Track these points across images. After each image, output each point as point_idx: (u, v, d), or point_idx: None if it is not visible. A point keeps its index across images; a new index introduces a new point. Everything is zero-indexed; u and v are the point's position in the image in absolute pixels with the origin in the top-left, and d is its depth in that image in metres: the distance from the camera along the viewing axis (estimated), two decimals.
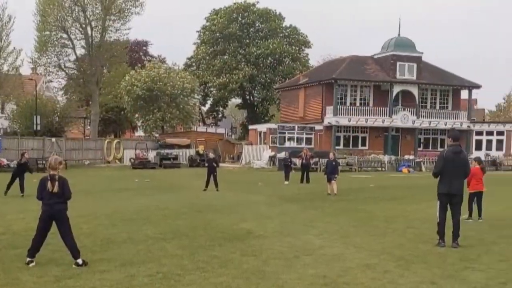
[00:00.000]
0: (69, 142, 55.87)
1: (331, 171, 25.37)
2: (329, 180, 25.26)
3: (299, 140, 57.48)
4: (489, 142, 61.33)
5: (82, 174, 42.03)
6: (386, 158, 53.17)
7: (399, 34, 61.31)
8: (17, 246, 11.92)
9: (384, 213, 18.24)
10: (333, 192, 24.69)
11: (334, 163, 26.04)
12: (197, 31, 79.97)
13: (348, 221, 16.15)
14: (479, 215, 16.62)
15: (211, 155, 30.35)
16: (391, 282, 9.06)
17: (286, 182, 32.62)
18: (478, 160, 17.48)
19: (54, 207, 10.34)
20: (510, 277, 9.41)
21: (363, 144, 59.18)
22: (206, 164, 29.88)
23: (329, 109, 57.55)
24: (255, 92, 79.91)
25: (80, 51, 64.05)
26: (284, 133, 57.50)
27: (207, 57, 76.38)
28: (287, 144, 56.19)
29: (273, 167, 49.87)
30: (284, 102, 67.50)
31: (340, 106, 57.40)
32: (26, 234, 13.22)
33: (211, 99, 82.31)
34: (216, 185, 26.70)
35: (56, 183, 10.28)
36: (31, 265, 10.15)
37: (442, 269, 10.00)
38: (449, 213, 12.48)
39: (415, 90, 59.32)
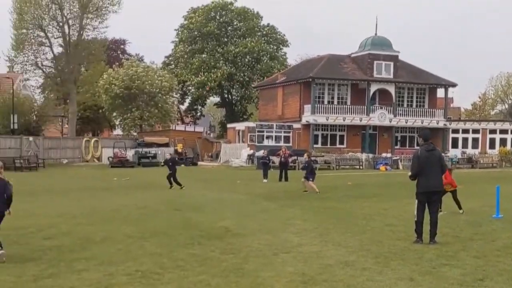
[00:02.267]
0: (47, 141, 55.48)
1: (309, 172, 25.38)
2: (307, 179, 25.27)
3: (277, 138, 57.54)
4: (465, 140, 61.85)
5: (60, 173, 41.78)
6: (363, 156, 53.36)
7: (376, 33, 61.59)
8: None
9: (362, 210, 18.34)
10: (314, 190, 24.56)
11: (306, 164, 26.23)
12: (175, 30, 79.69)
13: (326, 219, 16.21)
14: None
15: (168, 155, 30.78)
16: (370, 279, 9.13)
17: (265, 180, 32.64)
18: None
19: None
20: (487, 274, 9.51)
21: (341, 142, 59.37)
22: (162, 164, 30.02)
23: (307, 108, 57.65)
24: (234, 90, 79.85)
25: (58, 50, 63.82)
26: (263, 131, 57.54)
27: (185, 56, 76.08)
28: (265, 142, 56.21)
29: (252, 166, 49.82)
30: (262, 101, 67.54)
31: (318, 105, 57.51)
32: (5, 234, 13.12)
33: (190, 97, 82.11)
34: (177, 183, 26.98)
35: None
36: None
37: (420, 266, 10.09)
38: (426, 211, 12.56)
39: (392, 89, 59.65)
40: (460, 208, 17.55)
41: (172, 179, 27.11)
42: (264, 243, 12.27)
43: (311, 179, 25.15)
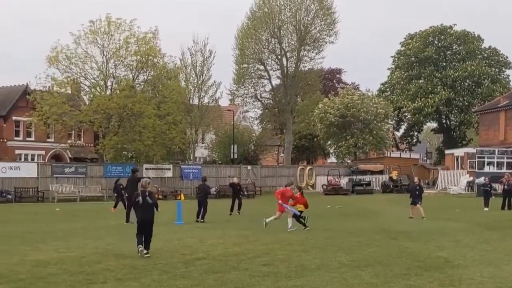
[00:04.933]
0: (264, 169, 57.56)
1: (416, 195, 26.06)
2: (414, 204, 25.96)
3: (499, 164, 54.57)
4: None
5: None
6: None
7: None
8: (217, 270, 12.32)
9: None
10: (421, 215, 25.16)
11: (418, 187, 26.82)
12: (392, 56, 79.34)
13: None
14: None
15: (235, 179, 31.43)
16: None
17: (486, 209, 31.07)
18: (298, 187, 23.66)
19: (144, 215, 14.12)
20: None
21: None
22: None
23: None
24: (452, 115, 77.45)
25: (275, 82, 66.13)
26: (483, 157, 54.91)
27: (402, 82, 75.37)
28: (486, 169, 53.64)
29: (471, 193, 47.83)
30: (483, 126, 64.63)
31: None
32: (226, 259, 13.68)
33: (405, 124, 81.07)
34: (239, 207, 28.95)
35: (147, 198, 14.01)
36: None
37: None
38: None
39: None
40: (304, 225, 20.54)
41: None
42: (486, 276, 11.58)
43: (419, 203, 25.88)
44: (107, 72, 49.78)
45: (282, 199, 20.95)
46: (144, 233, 14.11)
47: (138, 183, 24.85)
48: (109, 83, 50.60)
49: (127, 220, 23.76)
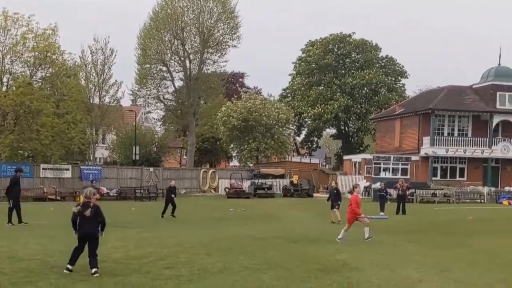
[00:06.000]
0: (166, 172, 57.14)
1: (334, 199, 26.96)
2: (332, 208, 26.65)
3: (394, 170, 56.59)
4: None
5: (178, 203, 42.68)
6: (485, 189, 51.42)
7: (499, 64, 59.60)
8: (117, 274, 12.16)
9: (485, 246, 17.57)
10: (337, 220, 25.65)
11: (335, 191, 27.73)
12: (293, 63, 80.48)
13: (447, 255, 15.65)
14: None
15: (173, 183, 31.53)
16: None
17: (381, 213, 32.04)
18: None
19: (88, 229, 12.24)
20: None
21: (461, 175, 57.53)
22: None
23: (426, 140, 56.44)
24: (350, 122, 79.41)
25: (178, 83, 65.89)
26: (380, 163, 56.78)
27: (302, 88, 76.60)
28: (382, 174, 55.48)
29: (368, 198, 49.12)
30: (379, 133, 66.72)
31: (437, 137, 56.17)
32: (127, 262, 13.53)
33: (306, 129, 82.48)
34: (172, 211, 28.75)
35: (90, 209, 12.21)
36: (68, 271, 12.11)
37: None
38: None
39: None
40: None
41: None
42: (382, 278, 11.98)
43: (336, 207, 26.60)
44: (3, 68, 48.30)
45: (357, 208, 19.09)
46: (89, 248, 12.26)
47: (18, 184, 24.02)
48: (4, 79, 49.11)
49: (9, 221, 23.01)
